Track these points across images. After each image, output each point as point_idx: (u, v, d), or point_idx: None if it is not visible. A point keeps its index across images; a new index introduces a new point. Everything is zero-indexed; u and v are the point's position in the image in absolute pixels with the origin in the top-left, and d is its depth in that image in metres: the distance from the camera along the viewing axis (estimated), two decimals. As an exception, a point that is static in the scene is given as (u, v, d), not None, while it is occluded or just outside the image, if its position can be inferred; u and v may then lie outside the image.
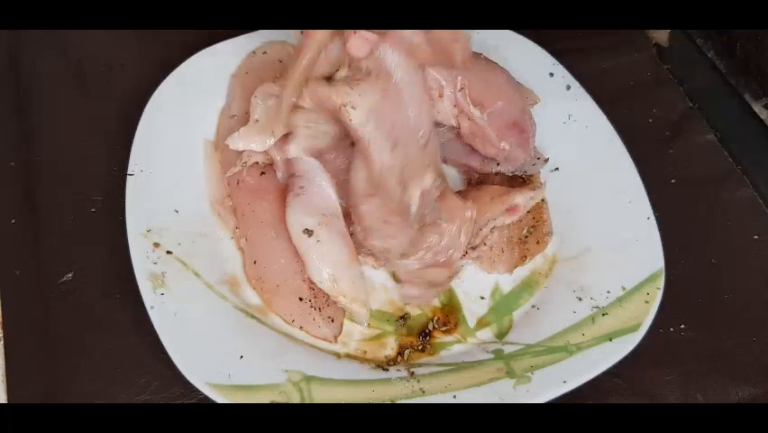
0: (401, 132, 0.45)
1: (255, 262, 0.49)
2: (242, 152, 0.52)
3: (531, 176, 0.54)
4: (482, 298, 0.51)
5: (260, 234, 0.50)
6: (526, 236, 0.52)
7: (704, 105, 0.61)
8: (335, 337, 0.48)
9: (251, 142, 0.50)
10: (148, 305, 0.46)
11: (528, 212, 0.52)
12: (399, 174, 0.45)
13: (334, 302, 0.48)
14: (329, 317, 0.48)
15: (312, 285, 0.48)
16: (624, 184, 0.53)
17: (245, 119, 0.55)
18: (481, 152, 0.53)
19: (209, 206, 0.53)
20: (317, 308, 0.48)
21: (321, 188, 0.49)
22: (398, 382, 0.45)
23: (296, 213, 0.49)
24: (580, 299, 0.49)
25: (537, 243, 0.53)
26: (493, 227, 0.51)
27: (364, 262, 0.51)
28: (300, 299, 0.48)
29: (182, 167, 0.54)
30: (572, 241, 0.52)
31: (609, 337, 0.46)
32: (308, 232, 0.48)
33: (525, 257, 0.52)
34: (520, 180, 0.54)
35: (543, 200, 0.53)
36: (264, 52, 0.58)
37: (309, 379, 0.45)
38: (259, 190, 0.51)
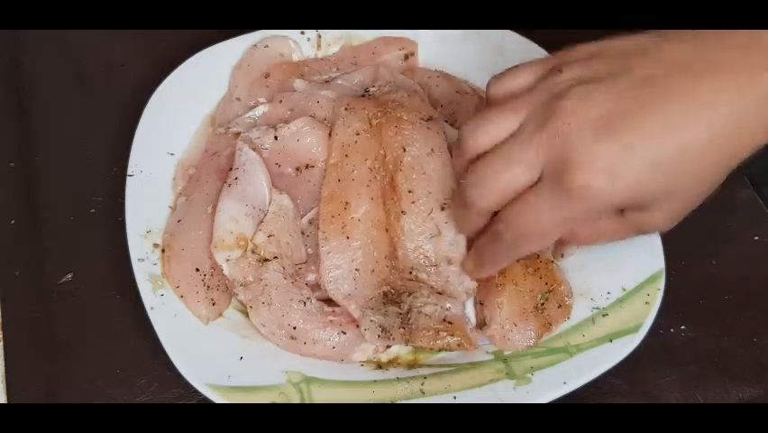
0: None
1: (179, 221, 0.50)
2: (233, 118, 0.55)
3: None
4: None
5: (199, 202, 0.50)
6: (543, 303, 0.48)
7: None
8: (207, 320, 0.47)
9: None
10: (148, 306, 0.46)
11: (540, 277, 0.48)
12: None
13: (227, 291, 0.48)
14: (212, 300, 0.47)
15: (214, 265, 0.48)
16: (624, 184, 0.52)
17: (248, 104, 0.56)
18: None
19: (174, 164, 0.53)
20: (207, 286, 0.47)
21: (256, 183, 0.49)
22: (398, 384, 0.45)
23: (227, 201, 0.49)
24: (580, 300, 0.49)
25: (559, 307, 0.48)
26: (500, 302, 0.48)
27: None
28: (197, 270, 0.48)
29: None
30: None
31: (610, 338, 0.46)
32: (234, 220, 0.48)
33: (551, 324, 0.47)
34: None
35: (552, 262, 0.49)
36: (266, 46, 0.59)
37: (309, 380, 0.45)
38: (223, 171, 0.52)
